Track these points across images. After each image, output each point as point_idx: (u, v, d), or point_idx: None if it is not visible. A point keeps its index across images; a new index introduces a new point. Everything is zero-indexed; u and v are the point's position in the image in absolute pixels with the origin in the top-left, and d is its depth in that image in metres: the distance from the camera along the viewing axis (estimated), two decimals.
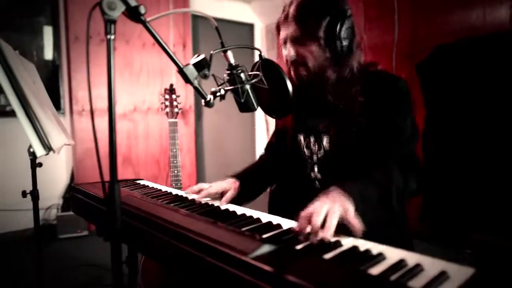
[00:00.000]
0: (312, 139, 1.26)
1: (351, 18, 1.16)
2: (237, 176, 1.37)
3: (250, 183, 1.37)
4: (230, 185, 1.31)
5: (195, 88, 0.98)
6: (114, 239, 0.84)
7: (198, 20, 4.26)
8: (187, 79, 0.95)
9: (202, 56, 0.97)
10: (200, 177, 4.40)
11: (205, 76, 0.99)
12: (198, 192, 1.28)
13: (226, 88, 1.02)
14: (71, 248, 3.07)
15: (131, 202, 1.14)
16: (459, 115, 2.95)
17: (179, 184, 2.06)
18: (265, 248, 0.77)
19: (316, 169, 1.26)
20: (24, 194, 1.36)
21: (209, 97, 1.01)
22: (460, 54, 2.94)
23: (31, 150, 1.14)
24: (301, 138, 1.29)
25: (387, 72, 1.20)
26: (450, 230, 2.99)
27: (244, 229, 0.94)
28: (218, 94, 1.01)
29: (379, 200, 1.00)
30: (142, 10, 0.85)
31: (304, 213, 0.88)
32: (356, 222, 0.85)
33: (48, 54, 3.48)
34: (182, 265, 0.88)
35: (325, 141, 1.23)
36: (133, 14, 0.85)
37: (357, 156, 1.14)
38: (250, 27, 4.88)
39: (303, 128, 1.29)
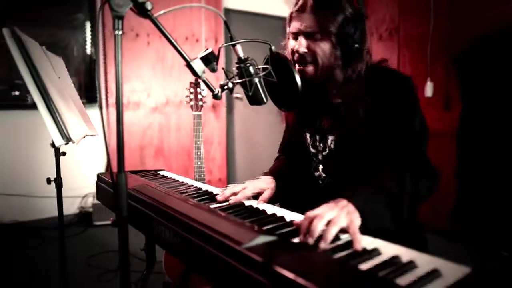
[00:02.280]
0: (317, 138, 1.25)
1: (364, 22, 1.13)
2: (271, 174, 1.31)
3: (283, 182, 1.30)
4: (267, 184, 1.24)
5: (203, 81, 1.01)
6: (120, 226, 0.88)
7: (230, 14, 4.29)
8: (194, 73, 0.98)
9: (209, 50, 0.99)
10: (230, 170, 4.46)
11: (213, 70, 1.01)
12: (231, 196, 1.17)
13: (234, 82, 1.04)
14: (104, 234, 3.22)
15: (145, 191, 1.19)
16: (498, 110, 2.81)
17: (202, 175, 2.11)
18: (261, 239, 0.78)
19: (320, 168, 1.25)
20: (48, 181, 1.45)
21: (217, 90, 1.03)
22: (503, 47, 2.79)
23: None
24: (307, 135, 1.29)
25: (394, 70, 1.17)
26: (484, 230, 2.86)
27: (246, 220, 0.95)
28: (226, 87, 1.03)
29: (390, 212, 0.97)
30: (149, 6, 0.87)
31: (308, 214, 0.85)
32: (358, 238, 0.79)
33: (88, 49, 3.64)
34: (184, 252, 0.92)
35: (330, 141, 1.22)
36: (141, 10, 0.88)
37: (363, 157, 1.12)
38: (283, 21, 4.84)
39: (309, 126, 1.28)
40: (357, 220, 0.86)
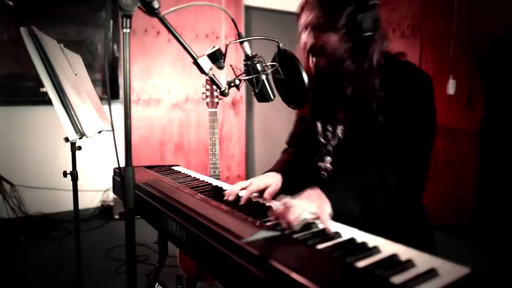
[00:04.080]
0: (329, 128, 1.25)
1: (375, 8, 1.10)
2: (277, 170, 1.31)
3: (290, 177, 1.30)
4: (273, 179, 1.25)
5: (210, 79, 1.02)
6: (127, 218, 0.91)
7: (251, 12, 4.30)
8: (201, 70, 0.99)
9: (216, 47, 1.00)
10: (249, 166, 4.48)
11: (220, 67, 1.02)
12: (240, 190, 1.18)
13: (241, 78, 1.05)
14: (124, 227, 3.30)
15: (156, 185, 1.22)
16: None
17: (217, 171, 2.13)
18: (261, 234, 0.79)
19: (328, 159, 1.25)
20: (65, 174, 1.50)
21: (224, 87, 1.05)
22: None
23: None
24: (319, 125, 1.29)
25: (414, 65, 1.14)
26: (506, 230, 2.78)
27: (250, 216, 0.96)
28: (232, 84, 1.04)
29: (359, 204, 1.00)
30: (156, 4, 0.89)
31: (285, 202, 0.91)
32: (325, 220, 0.89)
33: (110, 47, 3.72)
34: (189, 245, 0.94)
35: (339, 131, 1.21)
36: (148, 9, 0.90)
37: (367, 148, 1.11)
38: None
39: (321, 115, 1.27)
40: (327, 209, 0.93)
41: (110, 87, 3.63)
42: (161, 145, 3.86)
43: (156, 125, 3.82)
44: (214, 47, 1.01)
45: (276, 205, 0.93)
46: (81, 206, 3.58)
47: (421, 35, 3.43)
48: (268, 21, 4.30)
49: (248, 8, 4.24)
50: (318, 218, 0.91)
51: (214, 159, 2.13)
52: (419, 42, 3.44)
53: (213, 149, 2.13)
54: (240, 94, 4.19)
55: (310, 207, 0.90)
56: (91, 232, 3.24)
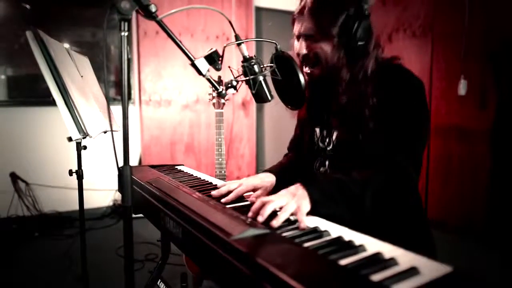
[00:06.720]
0: (324, 133, 1.26)
1: (368, 18, 1.11)
2: (273, 171, 1.31)
3: (286, 178, 1.30)
4: (262, 182, 1.23)
5: (207, 80, 1.05)
6: (125, 216, 0.94)
7: (261, 12, 4.32)
8: (199, 71, 1.02)
9: (214, 49, 1.03)
10: (259, 167, 4.50)
11: (217, 69, 1.05)
12: (227, 193, 1.14)
13: (238, 80, 1.07)
14: (135, 226, 3.34)
15: (156, 184, 1.25)
16: None
17: (223, 171, 2.16)
18: (250, 232, 0.81)
19: (327, 163, 1.26)
20: (70, 173, 1.55)
21: (221, 88, 1.07)
22: None
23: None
24: (317, 130, 1.30)
25: (406, 69, 1.15)
26: None
27: (244, 214, 0.98)
28: (230, 85, 1.07)
29: (345, 203, 1.00)
30: (153, 8, 0.92)
31: (262, 198, 0.94)
32: (301, 219, 0.89)
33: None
34: (184, 242, 0.96)
35: (334, 136, 1.22)
36: (146, 13, 0.93)
37: (359, 153, 1.12)
38: None
39: (319, 121, 1.29)
40: (305, 207, 0.93)
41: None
42: (171, 145, 3.91)
43: (167, 125, 3.88)
44: (211, 49, 1.04)
45: (255, 202, 0.95)
46: (94, 205, 3.68)
47: (432, 34, 3.39)
48: (278, 22, 4.31)
49: (258, 9, 4.27)
50: (294, 214, 0.92)
51: (220, 159, 2.16)
52: (431, 42, 3.40)
53: (219, 149, 2.16)
54: (250, 94, 4.21)
55: (288, 207, 0.91)
56: (103, 230, 3.31)
